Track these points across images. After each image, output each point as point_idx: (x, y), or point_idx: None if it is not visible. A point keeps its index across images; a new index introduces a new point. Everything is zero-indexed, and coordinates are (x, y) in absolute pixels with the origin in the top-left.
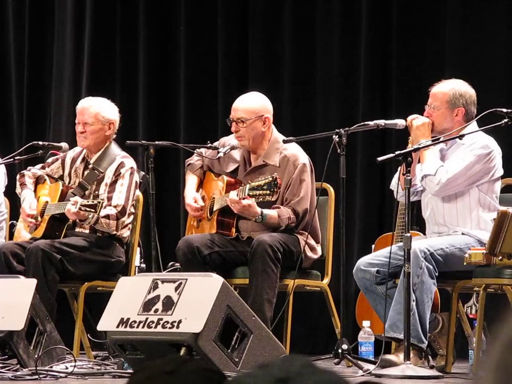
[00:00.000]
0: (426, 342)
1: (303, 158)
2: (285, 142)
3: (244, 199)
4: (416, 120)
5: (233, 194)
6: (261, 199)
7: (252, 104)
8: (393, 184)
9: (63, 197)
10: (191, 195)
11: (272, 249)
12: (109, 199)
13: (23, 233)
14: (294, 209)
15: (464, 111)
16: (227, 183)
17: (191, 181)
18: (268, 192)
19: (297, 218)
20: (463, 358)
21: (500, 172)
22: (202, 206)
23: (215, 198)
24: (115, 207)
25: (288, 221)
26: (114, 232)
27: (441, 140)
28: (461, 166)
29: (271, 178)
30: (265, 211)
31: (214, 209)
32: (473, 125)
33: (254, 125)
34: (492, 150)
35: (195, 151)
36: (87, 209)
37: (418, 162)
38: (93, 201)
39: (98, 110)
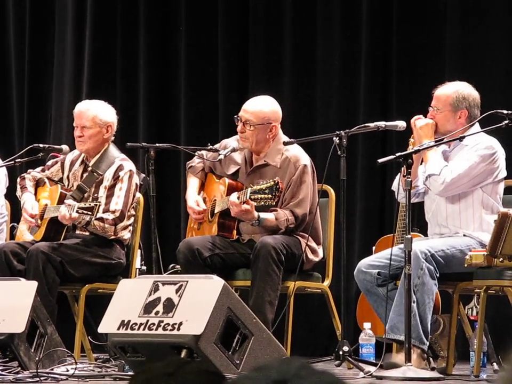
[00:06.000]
0: (428, 343)
1: (304, 159)
2: (285, 144)
3: (244, 203)
4: (419, 120)
5: (234, 197)
6: (262, 203)
7: (264, 109)
8: (395, 185)
9: (62, 200)
10: (193, 198)
11: (275, 251)
12: (107, 203)
13: (25, 235)
14: (292, 210)
15: (467, 114)
16: (228, 186)
17: (193, 183)
18: (270, 196)
19: (296, 220)
20: (464, 359)
21: (504, 173)
22: (205, 209)
23: (217, 200)
24: (113, 212)
25: (287, 223)
26: (113, 237)
27: (442, 141)
28: (465, 166)
29: (272, 182)
30: (262, 215)
31: (216, 211)
32: (476, 127)
33: (260, 130)
34: (496, 151)
35: (196, 153)
36: (84, 211)
37: (421, 163)
38: (90, 204)
39: (95, 113)
